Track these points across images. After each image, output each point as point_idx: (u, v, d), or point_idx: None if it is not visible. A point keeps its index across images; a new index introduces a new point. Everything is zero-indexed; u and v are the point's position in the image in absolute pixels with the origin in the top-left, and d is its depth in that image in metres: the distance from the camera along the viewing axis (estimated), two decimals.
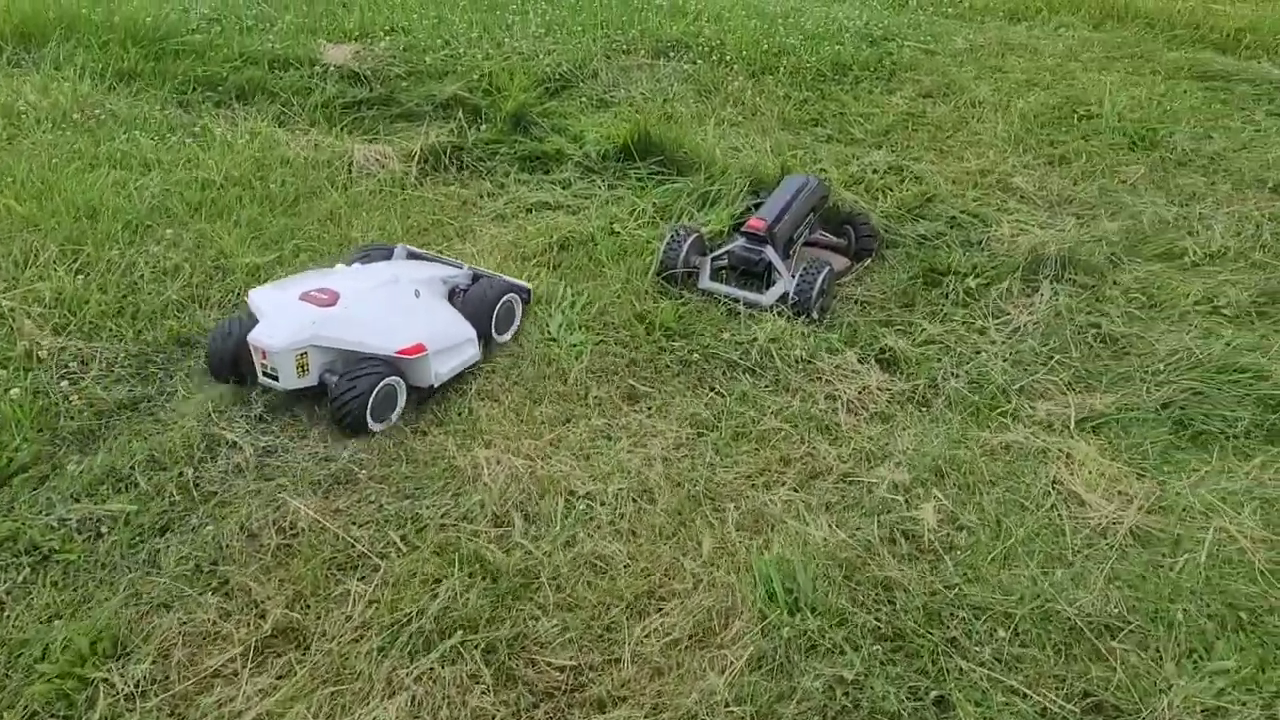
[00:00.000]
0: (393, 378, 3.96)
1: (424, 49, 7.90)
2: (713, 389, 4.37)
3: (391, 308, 4.15)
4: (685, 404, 4.25)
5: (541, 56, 7.75)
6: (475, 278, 4.67)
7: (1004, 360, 4.68)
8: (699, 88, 7.52)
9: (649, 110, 7.11)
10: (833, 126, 7.07)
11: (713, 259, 5.20)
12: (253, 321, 3.96)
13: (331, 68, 7.45)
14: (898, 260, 5.57)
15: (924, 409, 4.32)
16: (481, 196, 6.17)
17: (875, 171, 6.39)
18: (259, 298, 4.07)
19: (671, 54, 8.01)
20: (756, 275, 5.14)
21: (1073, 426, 4.23)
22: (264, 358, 3.85)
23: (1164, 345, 4.77)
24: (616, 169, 6.37)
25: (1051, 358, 4.70)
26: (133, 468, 3.68)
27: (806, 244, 5.53)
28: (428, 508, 3.59)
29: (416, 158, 6.37)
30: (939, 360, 4.64)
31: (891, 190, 6.16)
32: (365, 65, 7.58)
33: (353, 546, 3.42)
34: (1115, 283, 5.31)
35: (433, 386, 4.12)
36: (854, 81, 7.69)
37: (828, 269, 4.91)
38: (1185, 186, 6.22)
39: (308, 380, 3.94)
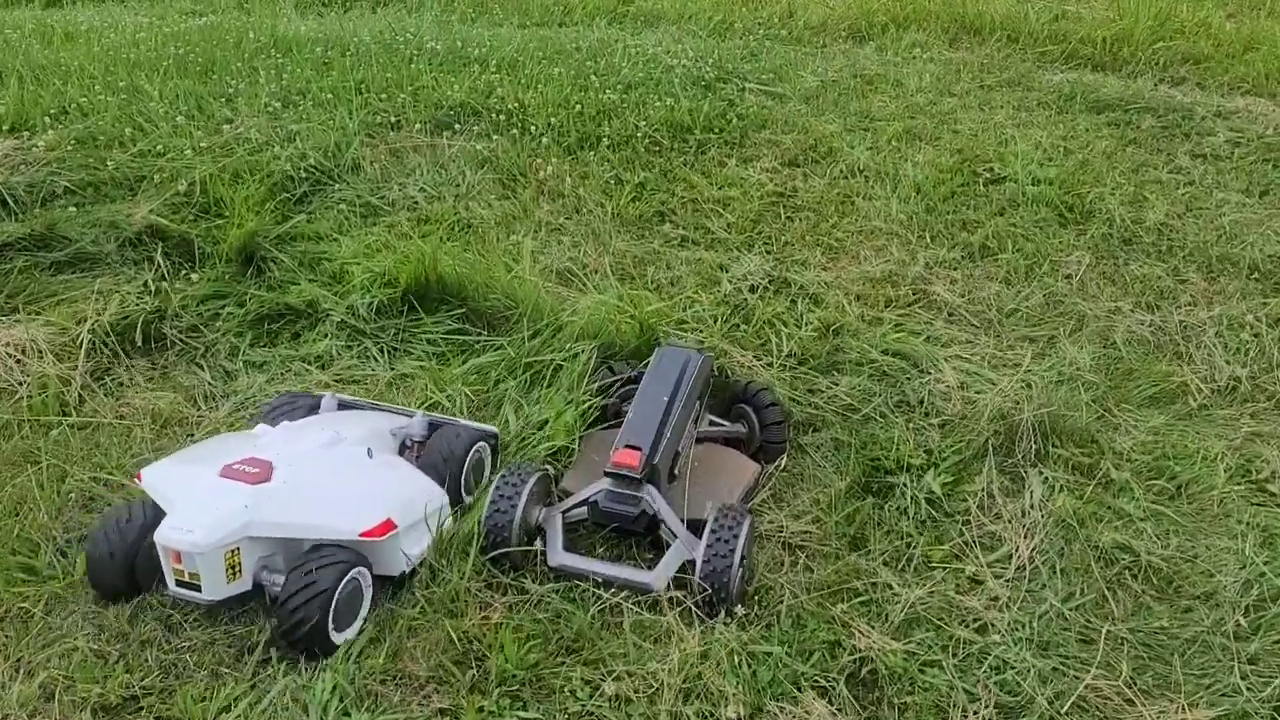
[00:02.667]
0: (358, 569, 2.97)
1: (107, 143, 5.61)
2: None
3: (342, 476, 3.20)
4: None
5: (278, 145, 5.61)
6: (432, 426, 3.66)
7: (1026, 643, 3.08)
8: (500, 175, 5.59)
9: (436, 218, 5.16)
10: (685, 221, 5.31)
11: (564, 512, 3.36)
12: (156, 513, 2.95)
13: None
14: (822, 453, 3.89)
15: None
16: (193, 402, 4.06)
17: (754, 290, 4.70)
18: (158, 479, 3.04)
19: (457, 126, 6.03)
20: (635, 533, 3.35)
21: None
22: (178, 561, 2.82)
23: (1227, 572, 3.32)
24: (398, 329, 4.41)
25: (1089, 626, 3.15)
26: None
27: (697, 441, 3.77)
28: None
29: (85, 345, 4.18)
30: (939, 668, 2.98)
31: (783, 324, 4.47)
32: (15, 178, 5.23)
33: None
34: (1118, 454, 3.83)
35: (404, 574, 3.13)
36: (698, 149, 5.95)
37: (748, 522, 3.15)
38: (1147, 280, 4.83)
39: (240, 585, 2.92)
